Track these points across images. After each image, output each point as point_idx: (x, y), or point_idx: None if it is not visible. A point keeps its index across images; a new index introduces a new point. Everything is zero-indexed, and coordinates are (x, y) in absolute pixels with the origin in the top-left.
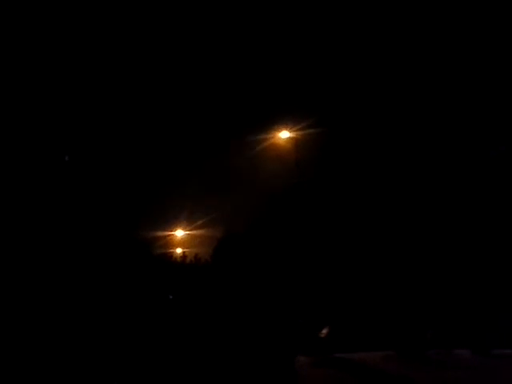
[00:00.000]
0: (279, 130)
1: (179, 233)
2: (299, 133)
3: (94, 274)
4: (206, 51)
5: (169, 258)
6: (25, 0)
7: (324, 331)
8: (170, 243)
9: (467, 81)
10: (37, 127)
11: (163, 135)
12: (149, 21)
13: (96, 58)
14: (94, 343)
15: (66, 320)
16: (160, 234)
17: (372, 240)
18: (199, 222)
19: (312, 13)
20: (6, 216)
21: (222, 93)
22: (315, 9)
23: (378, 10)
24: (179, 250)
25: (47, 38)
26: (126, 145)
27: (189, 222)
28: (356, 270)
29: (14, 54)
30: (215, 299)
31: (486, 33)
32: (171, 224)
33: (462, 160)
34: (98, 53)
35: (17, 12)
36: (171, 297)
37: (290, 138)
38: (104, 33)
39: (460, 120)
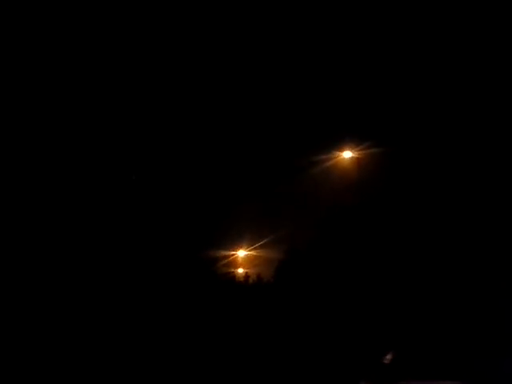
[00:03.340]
0: (342, 149)
1: (241, 253)
2: (363, 152)
3: (160, 291)
4: (276, 74)
5: (232, 277)
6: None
7: (388, 356)
8: (232, 263)
9: None
10: (104, 146)
11: (228, 155)
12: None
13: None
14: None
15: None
16: (223, 253)
17: (443, 261)
18: (261, 243)
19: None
20: (71, 235)
21: (284, 113)
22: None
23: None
24: (241, 270)
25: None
26: (192, 165)
27: (251, 243)
28: (422, 291)
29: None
30: (278, 319)
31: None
32: (234, 244)
33: None
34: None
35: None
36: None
37: (353, 157)
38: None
39: None
